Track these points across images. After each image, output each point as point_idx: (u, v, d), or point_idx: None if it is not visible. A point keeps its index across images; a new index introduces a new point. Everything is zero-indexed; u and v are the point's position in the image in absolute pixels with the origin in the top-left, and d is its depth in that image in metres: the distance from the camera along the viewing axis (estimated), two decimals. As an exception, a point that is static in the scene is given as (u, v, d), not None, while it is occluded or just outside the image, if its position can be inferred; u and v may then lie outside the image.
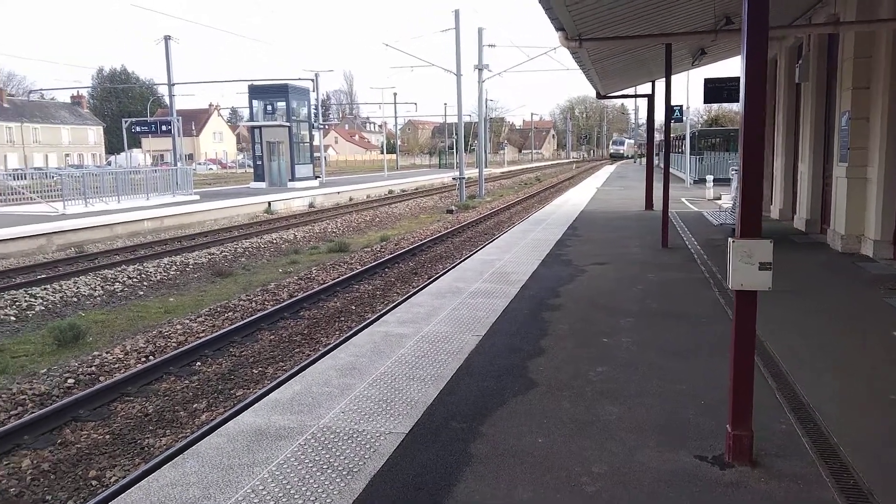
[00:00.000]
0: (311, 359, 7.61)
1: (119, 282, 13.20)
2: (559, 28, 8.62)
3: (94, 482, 5.39)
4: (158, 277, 13.83)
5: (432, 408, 4.57)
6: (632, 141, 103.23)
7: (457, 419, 4.39)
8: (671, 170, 42.97)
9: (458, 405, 4.62)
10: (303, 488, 3.54)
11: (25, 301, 11.49)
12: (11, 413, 6.69)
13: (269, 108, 35.16)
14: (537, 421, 4.35)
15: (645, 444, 3.99)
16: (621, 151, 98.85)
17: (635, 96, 29.29)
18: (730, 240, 3.61)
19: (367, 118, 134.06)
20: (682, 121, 31.74)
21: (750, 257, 3.53)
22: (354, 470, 3.73)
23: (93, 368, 7.91)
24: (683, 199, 21.88)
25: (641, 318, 6.86)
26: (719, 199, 20.61)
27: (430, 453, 3.92)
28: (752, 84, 3.54)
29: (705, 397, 4.68)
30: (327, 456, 3.89)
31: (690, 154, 32.13)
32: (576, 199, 23.34)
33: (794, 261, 10.20)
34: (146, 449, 5.93)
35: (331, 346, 8.04)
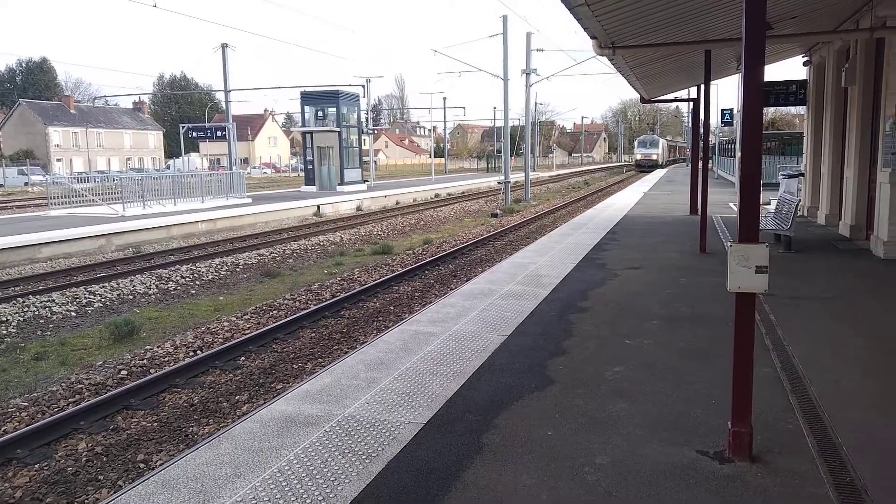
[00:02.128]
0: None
1: (173, 280, 13.84)
2: (592, 36, 8.80)
3: (141, 465, 5.82)
4: (210, 277, 14.43)
5: (451, 401, 4.84)
6: (664, 141, 77.12)
7: (473, 412, 4.65)
8: (722, 174, 42.46)
9: (476, 399, 4.88)
10: (324, 469, 3.84)
11: (85, 298, 12.19)
12: (70, 400, 7.21)
13: (320, 113, 35.97)
14: (549, 415, 4.57)
15: (650, 440, 4.17)
16: (653, 157, 69.93)
17: (684, 100, 29.02)
18: (728, 244, 3.78)
19: (417, 122, 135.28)
20: (732, 124, 31.28)
21: (747, 261, 3.69)
22: (373, 455, 4.02)
23: (144, 361, 8.42)
24: (731, 204, 21.63)
25: (667, 322, 6.99)
26: (768, 203, 20.29)
27: (444, 441, 4.19)
28: (751, 99, 3.69)
29: (718, 397, 4.81)
30: (349, 442, 4.19)
31: (741, 158, 31.61)
32: (621, 203, 23.29)
33: (832, 267, 10.12)
34: (190, 436, 6.35)
35: (365, 343, 8.37)
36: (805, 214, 16.87)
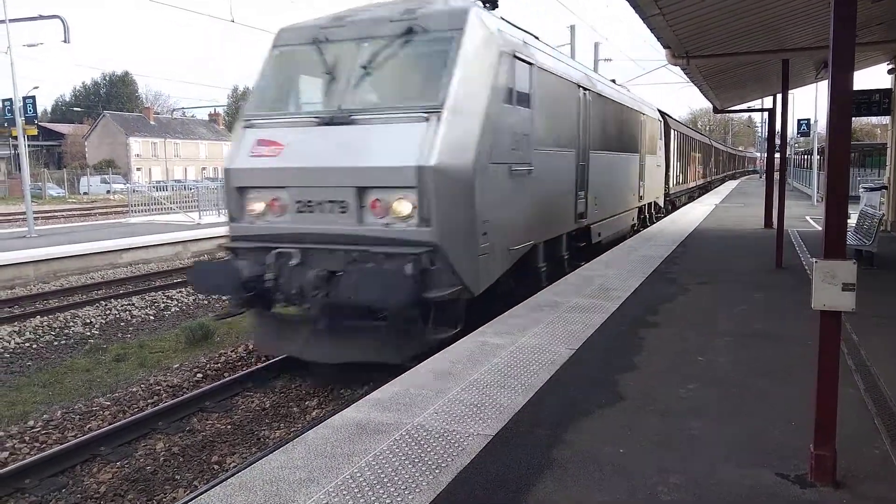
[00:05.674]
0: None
1: (244, 287, 14.21)
2: (665, 46, 8.66)
3: (216, 466, 6.00)
4: (279, 284, 14.75)
5: (520, 414, 4.81)
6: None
7: (542, 426, 4.61)
8: (797, 185, 41.01)
9: (544, 413, 4.84)
10: (395, 478, 3.88)
11: (163, 303, 12.67)
12: (148, 401, 7.50)
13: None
14: (621, 432, 4.50)
15: (726, 460, 4.05)
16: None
17: (757, 110, 28.25)
18: (813, 260, 3.66)
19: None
20: (808, 134, 30.20)
21: (833, 278, 3.56)
22: (443, 465, 4.03)
23: (219, 365, 8.69)
24: (808, 218, 20.85)
25: (740, 339, 6.79)
26: (848, 217, 19.54)
27: (513, 455, 4.17)
28: (838, 109, 3.57)
29: (796, 418, 4.64)
30: (419, 451, 4.22)
31: (819, 170, 30.53)
32: (690, 215, 22.74)
33: (920, 285, 9.64)
34: (262, 439, 6.51)
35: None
36: (888, 229, 16.11)
